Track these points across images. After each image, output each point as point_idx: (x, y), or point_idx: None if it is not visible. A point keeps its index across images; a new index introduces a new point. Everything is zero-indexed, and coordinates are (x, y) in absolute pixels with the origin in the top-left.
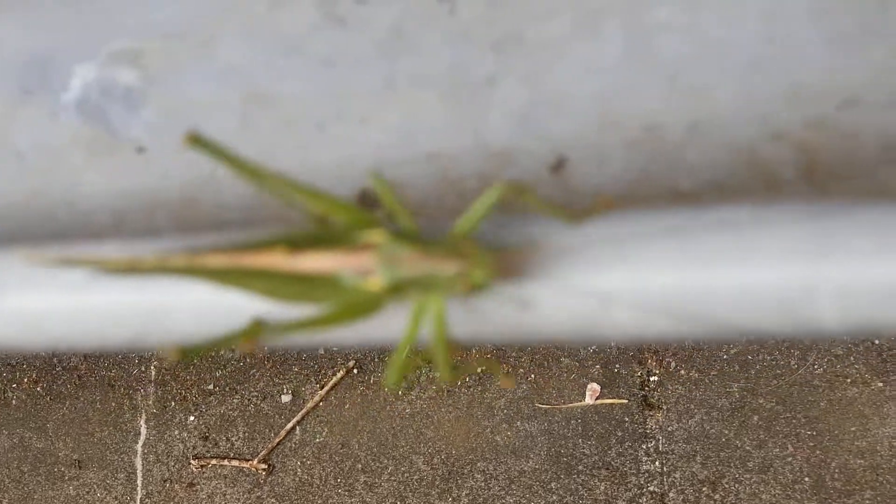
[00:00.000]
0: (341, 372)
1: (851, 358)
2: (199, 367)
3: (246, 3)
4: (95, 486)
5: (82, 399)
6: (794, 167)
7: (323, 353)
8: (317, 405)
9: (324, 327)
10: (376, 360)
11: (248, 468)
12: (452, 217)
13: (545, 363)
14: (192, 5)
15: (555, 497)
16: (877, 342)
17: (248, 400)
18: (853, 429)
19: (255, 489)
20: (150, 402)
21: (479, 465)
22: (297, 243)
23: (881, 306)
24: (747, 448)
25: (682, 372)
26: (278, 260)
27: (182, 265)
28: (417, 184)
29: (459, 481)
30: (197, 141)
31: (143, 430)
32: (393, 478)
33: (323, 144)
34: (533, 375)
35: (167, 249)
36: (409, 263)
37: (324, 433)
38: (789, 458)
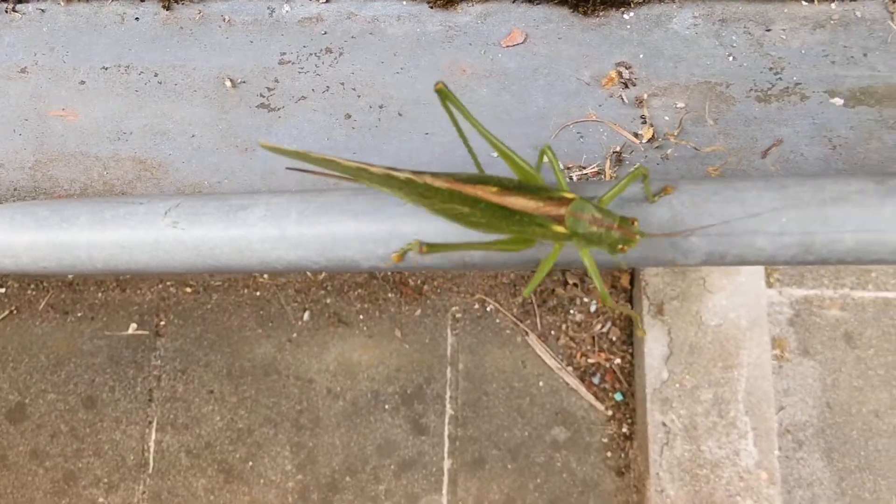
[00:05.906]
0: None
1: None
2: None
3: None
4: None
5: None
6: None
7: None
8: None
9: (513, 249)
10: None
11: None
12: None
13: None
14: None
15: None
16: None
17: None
18: None
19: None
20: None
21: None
22: (505, 187)
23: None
24: None
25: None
26: (489, 194)
27: (404, 178)
28: None
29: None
30: (444, 92)
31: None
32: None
33: None
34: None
35: (391, 165)
36: (591, 223)
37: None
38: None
